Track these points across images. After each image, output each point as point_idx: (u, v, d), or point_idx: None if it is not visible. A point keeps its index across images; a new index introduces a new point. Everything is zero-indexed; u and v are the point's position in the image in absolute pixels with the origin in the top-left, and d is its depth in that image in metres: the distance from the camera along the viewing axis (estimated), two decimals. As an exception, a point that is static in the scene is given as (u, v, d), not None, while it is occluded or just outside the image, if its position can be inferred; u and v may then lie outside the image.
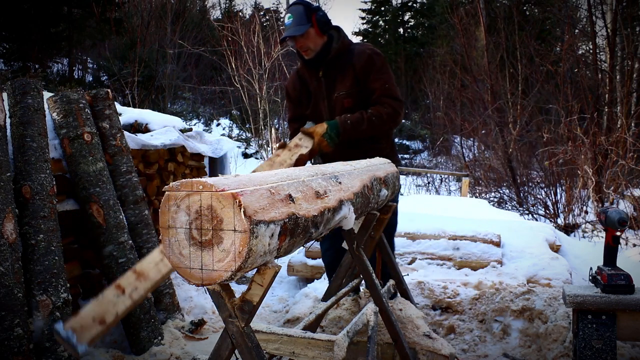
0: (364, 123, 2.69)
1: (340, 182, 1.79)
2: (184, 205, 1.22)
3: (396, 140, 18.84)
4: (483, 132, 12.15)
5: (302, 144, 2.66)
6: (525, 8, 15.54)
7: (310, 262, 4.20)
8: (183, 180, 1.25)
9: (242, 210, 1.16)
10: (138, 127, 3.97)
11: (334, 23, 2.85)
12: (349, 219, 1.78)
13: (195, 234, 1.21)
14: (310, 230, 1.49)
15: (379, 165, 2.43)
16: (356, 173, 2.04)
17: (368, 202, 2.09)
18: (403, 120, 20.21)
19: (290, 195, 1.38)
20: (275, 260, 1.37)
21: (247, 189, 1.23)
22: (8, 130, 2.57)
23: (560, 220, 7.55)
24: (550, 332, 2.81)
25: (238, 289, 3.76)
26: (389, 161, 2.61)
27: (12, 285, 2.17)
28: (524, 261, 3.96)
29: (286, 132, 13.04)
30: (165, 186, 1.25)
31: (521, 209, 8.79)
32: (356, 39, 29.61)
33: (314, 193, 1.54)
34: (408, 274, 3.67)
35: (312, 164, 2.92)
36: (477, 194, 10.35)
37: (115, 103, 3.55)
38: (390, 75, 2.83)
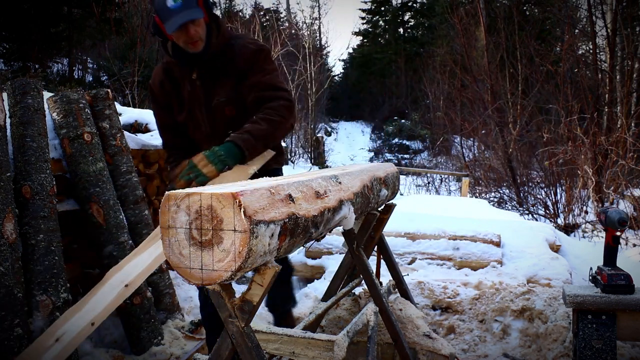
0: (266, 128, 2.13)
1: (340, 182, 1.79)
2: (184, 205, 1.22)
3: (396, 140, 18.86)
4: (483, 132, 12.15)
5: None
6: (525, 8, 15.54)
7: (310, 262, 4.20)
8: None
9: (242, 210, 1.16)
10: (138, 127, 3.97)
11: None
12: (349, 219, 1.78)
13: (195, 234, 1.21)
14: (310, 230, 1.49)
15: (379, 165, 2.44)
16: (356, 173, 2.04)
17: (368, 202, 2.09)
18: (402, 120, 20.19)
19: (290, 195, 1.38)
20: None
21: (247, 189, 1.23)
22: (8, 130, 2.57)
23: (560, 220, 7.55)
24: (550, 332, 2.81)
25: (238, 289, 3.75)
26: None
27: (12, 285, 2.17)
28: (524, 261, 3.96)
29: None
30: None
31: (521, 209, 8.78)
32: (356, 39, 29.12)
33: (314, 193, 1.54)
34: (408, 274, 3.67)
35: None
36: (477, 194, 10.35)
37: (115, 103, 3.55)
38: (275, 68, 2.36)
